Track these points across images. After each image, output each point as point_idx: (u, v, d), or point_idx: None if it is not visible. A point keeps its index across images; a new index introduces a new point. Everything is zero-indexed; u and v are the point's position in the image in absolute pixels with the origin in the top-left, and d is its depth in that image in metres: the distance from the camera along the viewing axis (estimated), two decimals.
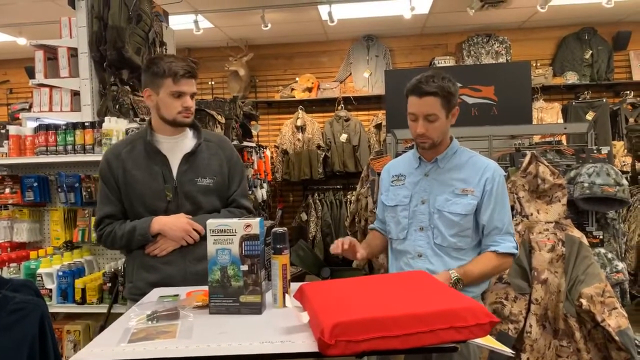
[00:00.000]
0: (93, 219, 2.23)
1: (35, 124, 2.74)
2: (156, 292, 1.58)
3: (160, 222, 1.76)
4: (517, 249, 1.72)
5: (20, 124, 2.94)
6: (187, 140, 1.86)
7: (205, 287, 1.39)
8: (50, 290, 2.44)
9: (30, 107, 3.00)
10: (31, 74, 3.00)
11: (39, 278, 2.44)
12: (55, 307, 2.45)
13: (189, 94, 1.78)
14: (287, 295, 1.40)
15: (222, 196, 1.89)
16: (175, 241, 1.77)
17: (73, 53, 2.86)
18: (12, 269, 2.54)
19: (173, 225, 1.75)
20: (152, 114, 1.84)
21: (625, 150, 5.18)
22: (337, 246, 1.71)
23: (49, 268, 2.47)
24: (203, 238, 1.77)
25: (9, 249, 2.71)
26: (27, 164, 2.70)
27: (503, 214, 1.71)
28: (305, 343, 1.11)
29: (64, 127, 2.57)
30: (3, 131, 2.75)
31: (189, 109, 1.79)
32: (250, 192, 4.59)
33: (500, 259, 1.69)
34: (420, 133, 1.69)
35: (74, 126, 2.56)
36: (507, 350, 1.16)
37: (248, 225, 1.33)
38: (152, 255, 1.79)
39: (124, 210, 1.83)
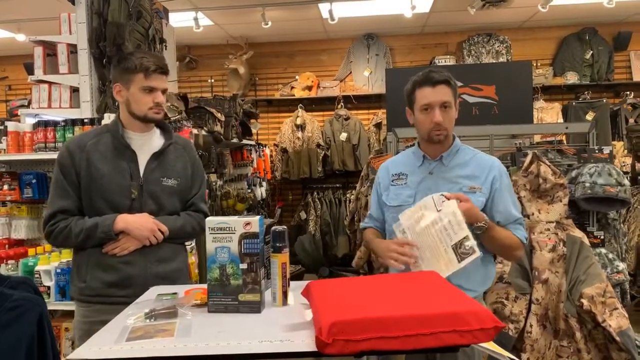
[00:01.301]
0: None
1: (34, 121, 2.72)
2: (154, 290, 1.57)
3: (125, 220, 1.69)
4: (526, 240, 1.74)
5: (19, 121, 2.93)
6: (155, 139, 1.83)
7: (201, 285, 1.38)
8: (49, 287, 2.42)
9: (29, 103, 2.99)
10: (30, 70, 2.99)
11: (37, 275, 2.43)
12: (53, 304, 2.43)
13: (160, 90, 1.75)
14: (289, 293, 1.39)
15: (183, 198, 1.85)
16: (140, 240, 1.71)
17: (72, 49, 2.84)
18: (10, 266, 2.52)
19: (139, 225, 1.70)
20: (122, 109, 1.80)
21: (625, 151, 5.18)
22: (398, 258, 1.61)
23: (47, 265, 2.45)
24: (165, 240, 1.75)
25: (7, 246, 2.70)
26: (25, 160, 2.68)
27: (514, 210, 1.73)
28: (305, 342, 1.10)
29: (62, 124, 2.55)
30: (1, 127, 2.73)
31: (159, 105, 1.76)
32: (249, 190, 4.58)
33: (515, 238, 1.69)
34: (438, 121, 1.67)
35: (73, 123, 2.55)
36: (506, 354, 1.15)
37: (247, 224, 1.32)
38: (111, 254, 1.71)
39: (80, 206, 1.74)
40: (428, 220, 1.60)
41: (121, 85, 1.76)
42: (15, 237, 2.71)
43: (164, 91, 1.78)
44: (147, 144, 1.80)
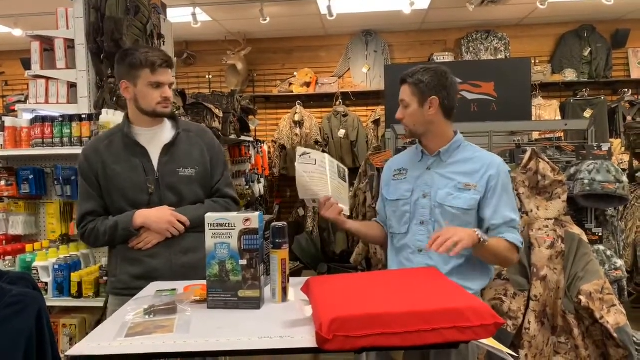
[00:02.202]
0: None
1: (31, 116, 2.71)
2: (153, 286, 1.57)
3: (143, 215, 1.73)
4: (522, 244, 1.71)
5: (16, 116, 2.91)
6: (166, 131, 1.84)
7: (200, 281, 1.38)
8: (46, 283, 2.42)
9: (26, 99, 2.97)
10: (27, 65, 2.96)
11: (34, 271, 2.42)
12: (51, 300, 2.43)
13: (167, 84, 1.77)
14: (289, 289, 1.39)
15: (205, 186, 1.86)
16: (160, 234, 1.75)
17: (70, 44, 2.82)
18: (7, 262, 2.51)
19: (156, 218, 1.73)
20: (130, 106, 1.82)
21: (623, 148, 5.19)
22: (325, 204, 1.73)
23: (44, 261, 2.44)
24: (188, 230, 1.77)
25: (4, 242, 2.68)
26: (22, 156, 2.67)
27: (508, 211, 1.69)
28: (304, 338, 1.10)
29: (60, 119, 2.54)
30: None
31: (168, 99, 1.77)
32: (247, 187, 4.57)
33: (509, 244, 1.67)
34: (397, 117, 1.79)
35: (71, 118, 2.53)
36: (506, 351, 1.15)
37: (247, 220, 1.32)
38: (136, 248, 1.76)
39: (106, 206, 1.80)
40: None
41: (128, 82, 1.77)
42: (13, 233, 2.69)
43: (170, 85, 1.79)
44: (156, 138, 1.81)
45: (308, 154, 1.77)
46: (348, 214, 1.81)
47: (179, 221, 1.75)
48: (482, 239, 1.56)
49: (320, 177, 1.76)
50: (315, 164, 1.76)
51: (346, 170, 1.89)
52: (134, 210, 1.75)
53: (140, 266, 1.76)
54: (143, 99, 1.76)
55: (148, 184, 1.76)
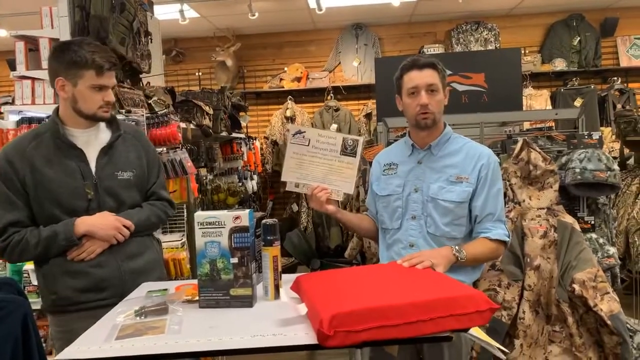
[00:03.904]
0: None
1: (17, 118, 2.67)
2: (144, 287, 1.55)
3: (86, 223, 1.59)
4: (509, 237, 1.71)
5: (2, 118, 2.87)
6: (102, 132, 1.72)
7: (194, 281, 1.37)
8: (37, 286, 2.39)
9: (13, 100, 2.92)
10: (13, 66, 2.92)
11: (25, 274, 2.40)
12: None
13: (110, 87, 1.65)
14: (280, 287, 1.38)
15: (142, 190, 1.78)
16: (106, 241, 1.62)
17: (55, 44, 2.78)
18: None
19: (102, 225, 1.60)
20: (64, 105, 1.66)
21: (614, 136, 5.21)
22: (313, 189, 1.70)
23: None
24: (131, 235, 1.69)
25: None
26: None
27: (496, 201, 1.69)
28: (298, 336, 1.09)
29: (46, 120, 2.51)
30: None
31: (109, 103, 1.66)
32: (240, 184, 4.55)
33: (493, 244, 1.67)
34: (423, 103, 1.67)
35: None
36: (495, 345, 1.15)
37: (237, 217, 1.30)
38: (78, 260, 1.61)
39: (32, 216, 1.62)
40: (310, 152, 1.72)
41: (66, 81, 1.61)
42: None
43: (113, 87, 1.69)
44: (93, 140, 1.69)
45: (302, 133, 1.68)
46: (350, 192, 1.73)
47: (124, 226, 1.65)
48: (459, 258, 1.57)
49: (310, 161, 1.70)
50: (308, 144, 1.69)
51: (359, 140, 1.70)
52: (73, 218, 1.60)
53: (86, 278, 1.62)
54: (83, 102, 1.62)
55: (87, 189, 1.62)
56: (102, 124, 1.74)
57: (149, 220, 1.75)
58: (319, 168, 1.70)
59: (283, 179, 1.71)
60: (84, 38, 1.72)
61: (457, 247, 1.60)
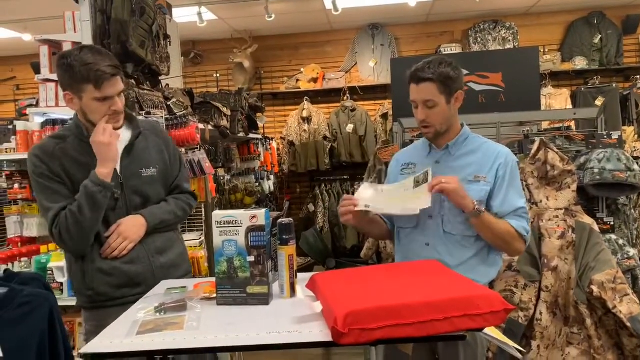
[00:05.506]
0: None
1: (42, 119, 2.75)
2: (164, 284, 1.59)
3: (98, 166, 1.61)
4: (527, 233, 1.69)
5: (28, 120, 2.95)
6: (124, 132, 1.73)
7: (212, 279, 1.40)
8: (62, 283, 2.46)
9: (38, 102, 3.00)
10: (37, 69, 3.00)
11: (49, 272, 2.46)
12: (66, 300, 2.47)
13: (115, 96, 1.62)
14: (296, 285, 1.40)
15: (166, 184, 1.82)
16: (113, 153, 1.62)
17: (56, 56, 2.85)
18: (23, 264, 2.56)
19: (99, 149, 1.60)
20: (79, 114, 1.68)
21: (636, 136, 5.11)
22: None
23: (59, 262, 2.48)
24: (157, 231, 1.73)
25: (20, 244, 2.73)
26: None
27: (516, 199, 1.69)
28: (313, 333, 1.11)
29: (70, 122, 2.57)
30: (10, 127, 2.75)
31: (118, 112, 1.65)
32: (257, 184, 4.59)
33: (512, 229, 1.65)
34: (421, 119, 1.69)
35: None
36: (512, 345, 1.15)
37: (254, 217, 1.33)
38: (111, 257, 1.65)
39: None
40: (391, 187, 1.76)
41: (72, 94, 1.62)
42: (28, 235, 2.74)
43: (120, 94, 1.64)
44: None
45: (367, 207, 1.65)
46: (427, 205, 1.59)
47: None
48: (476, 208, 1.59)
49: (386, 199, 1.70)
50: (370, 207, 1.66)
51: (428, 172, 1.64)
52: (92, 172, 1.60)
53: (121, 275, 1.67)
54: (91, 114, 1.63)
55: (114, 189, 1.65)
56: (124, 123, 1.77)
57: (175, 213, 1.80)
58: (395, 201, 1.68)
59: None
60: (83, 46, 1.69)
61: (479, 202, 1.60)
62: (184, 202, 1.84)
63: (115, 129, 1.67)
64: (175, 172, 1.85)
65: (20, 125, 2.68)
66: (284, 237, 1.38)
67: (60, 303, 2.43)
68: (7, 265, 2.60)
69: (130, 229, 1.67)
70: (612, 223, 2.51)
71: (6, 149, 2.70)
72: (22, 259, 2.57)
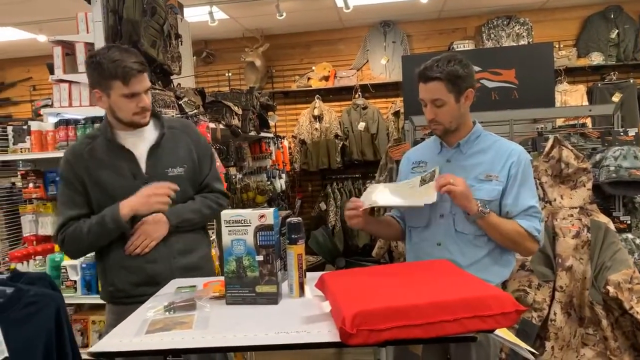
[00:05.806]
0: None
1: (56, 119, 2.78)
2: (174, 283, 1.59)
3: (128, 204, 1.63)
4: (539, 233, 1.66)
5: (42, 120, 2.99)
6: (150, 131, 1.75)
7: (221, 278, 1.40)
8: (75, 282, 2.49)
9: (52, 103, 3.04)
10: (52, 70, 3.04)
11: (63, 270, 2.50)
12: (80, 298, 2.50)
13: (142, 92, 1.65)
14: (305, 284, 1.40)
15: (195, 183, 1.81)
16: (152, 211, 1.65)
17: (90, 48, 2.88)
18: (37, 262, 2.60)
19: (142, 200, 1.64)
20: (107, 113, 1.72)
21: None
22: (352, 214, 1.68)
23: (73, 260, 2.51)
24: (188, 230, 1.74)
25: (34, 242, 2.77)
26: (49, 158, 2.74)
27: (529, 198, 1.66)
28: (321, 333, 1.10)
29: (83, 122, 2.60)
30: (25, 127, 2.79)
31: (145, 109, 1.67)
32: (268, 182, 4.60)
33: (522, 229, 1.62)
34: (429, 118, 1.68)
35: (93, 121, 2.59)
36: (524, 347, 1.13)
37: (262, 216, 1.32)
38: (134, 255, 1.68)
39: (92, 213, 1.70)
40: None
41: (101, 92, 1.66)
42: (42, 234, 2.78)
43: (147, 91, 1.67)
44: (141, 140, 1.73)
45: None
46: (433, 200, 1.58)
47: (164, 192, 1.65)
48: (480, 210, 1.57)
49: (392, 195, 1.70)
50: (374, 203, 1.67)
51: (435, 171, 1.66)
52: (115, 204, 1.64)
53: (142, 273, 1.69)
54: (119, 111, 1.66)
55: (139, 189, 1.67)
56: (151, 123, 1.78)
57: (200, 212, 1.79)
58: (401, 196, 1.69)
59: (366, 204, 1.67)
60: (111, 45, 1.74)
61: (483, 204, 1.59)
62: (211, 201, 1.82)
63: (142, 125, 1.70)
64: (205, 170, 1.84)
65: (34, 125, 2.72)
66: (293, 236, 1.38)
67: (73, 301, 2.49)
68: (23, 263, 2.64)
69: (152, 226, 1.68)
70: (628, 222, 2.46)
71: (21, 148, 2.74)
72: (37, 257, 2.61)
